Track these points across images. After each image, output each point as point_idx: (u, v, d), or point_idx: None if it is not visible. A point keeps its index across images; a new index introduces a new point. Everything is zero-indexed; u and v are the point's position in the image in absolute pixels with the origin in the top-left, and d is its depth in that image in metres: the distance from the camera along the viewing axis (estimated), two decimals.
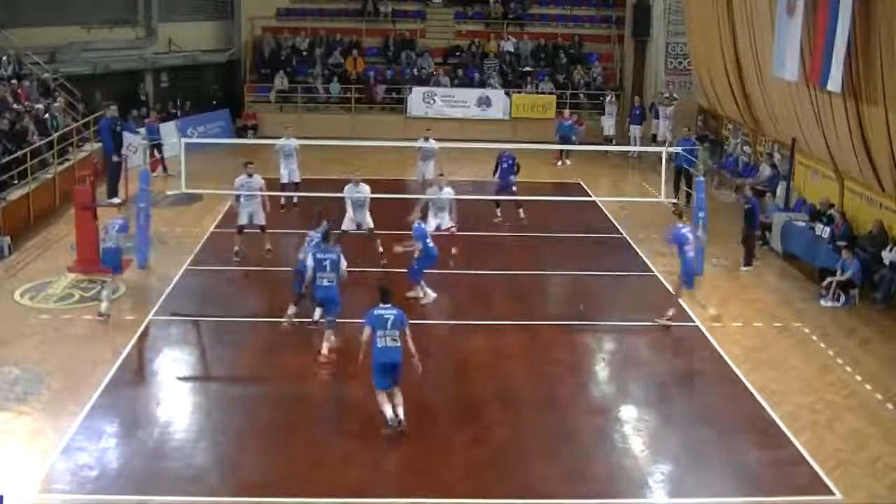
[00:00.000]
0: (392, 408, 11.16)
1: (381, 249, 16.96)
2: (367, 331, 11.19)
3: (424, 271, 15.59)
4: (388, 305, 11.37)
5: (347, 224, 17.10)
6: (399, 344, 11.18)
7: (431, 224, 17.51)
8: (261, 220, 17.46)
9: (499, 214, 20.37)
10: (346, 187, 17.19)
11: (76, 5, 27.40)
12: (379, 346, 11.14)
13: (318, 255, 13.18)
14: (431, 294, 15.60)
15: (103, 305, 14.60)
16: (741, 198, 22.20)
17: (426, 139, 21.37)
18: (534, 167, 25.18)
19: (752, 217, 18.10)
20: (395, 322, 11.18)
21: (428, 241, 15.56)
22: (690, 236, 15.07)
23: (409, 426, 11.39)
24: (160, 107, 28.04)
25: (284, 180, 20.74)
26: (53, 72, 25.50)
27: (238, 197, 17.50)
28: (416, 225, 15.69)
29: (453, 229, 17.45)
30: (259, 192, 17.46)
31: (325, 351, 13.18)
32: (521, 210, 20.29)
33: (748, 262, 17.93)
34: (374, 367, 11.23)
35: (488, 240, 19.16)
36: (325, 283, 13.13)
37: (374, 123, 29.84)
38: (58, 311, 14.91)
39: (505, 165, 20.30)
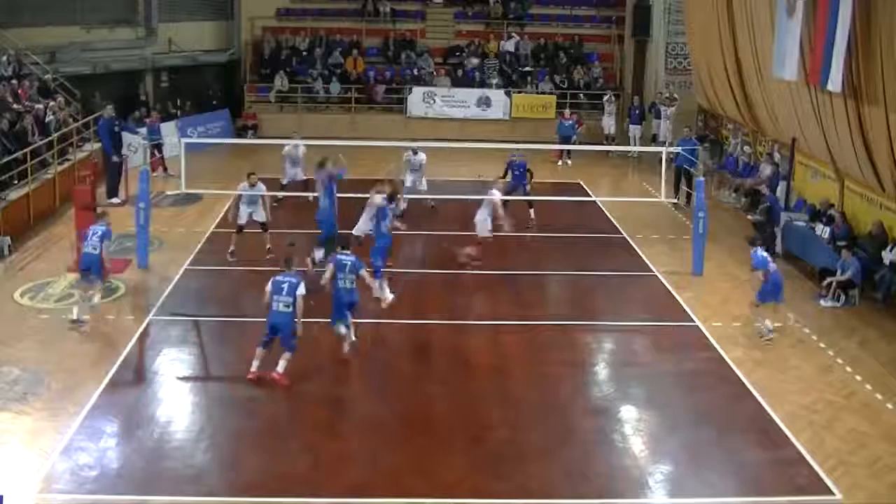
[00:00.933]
0: (347, 340, 13.26)
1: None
2: (330, 268, 13.14)
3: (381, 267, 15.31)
4: (347, 252, 13.24)
5: (360, 229, 16.79)
6: (354, 286, 13.11)
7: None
8: (261, 216, 17.41)
9: (532, 216, 20.35)
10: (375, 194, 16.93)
11: (76, 5, 27.42)
12: (339, 286, 13.03)
13: (278, 278, 12.57)
14: (389, 295, 14.92)
15: (75, 311, 14.32)
16: (742, 196, 22.25)
17: (415, 152, 20.89)
18: (534, 167, 25.17)
19: (773, 213, 18.10)
20: (352, 267, 13.05)
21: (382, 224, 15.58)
22: (769, 256, 14.87)
23: (409, 426, 11.46)
24: (160, 107, 28.04)
25: (286, 181, 20.75)
26: (53, 72, 25.51)
27: (238, 203, 17.46)
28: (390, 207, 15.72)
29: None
30: (261, 193, 17.46)
31: (279, 369, 12.47)
32: (531, 212, 20.23)
33: (781, 256, 17.96)
34: (333, 304, 13.13)
35: (488, 240, 19.11)
36: (282, 307, 12.35)
37: (374, 123, 29.85)
38: (58, 311, 14.90)
39: (517, 172, 20.33)
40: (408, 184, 20.88)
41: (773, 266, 14.70)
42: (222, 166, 24.26)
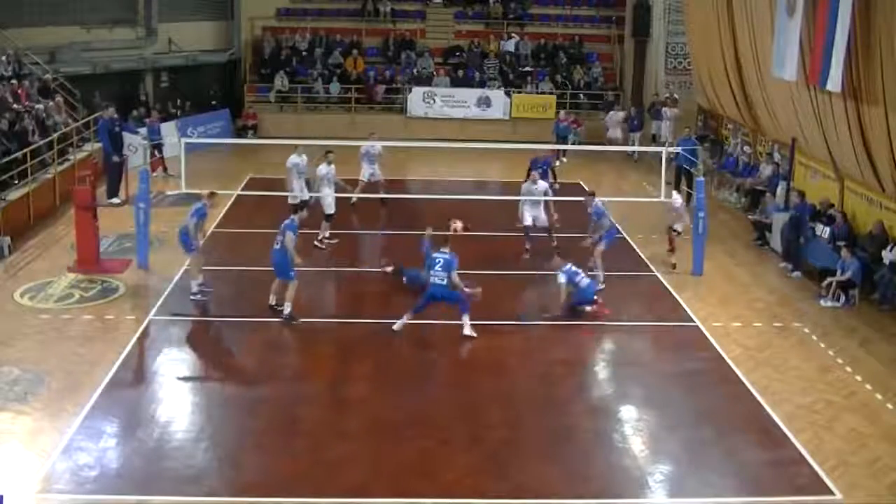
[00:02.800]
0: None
1: (554, 243, 17.90)
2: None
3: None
4: (444, 250, 13.99)
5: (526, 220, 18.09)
6: (445, 283, 13.87)
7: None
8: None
9: (555, 216, 20.43)
10: (524, 185, 18.34)
11: (76, 5, 27.42)
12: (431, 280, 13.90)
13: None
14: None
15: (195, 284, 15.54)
16: (742, 196, 22.24)
17: (372, 145, 20.98)
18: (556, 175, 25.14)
19: (799, 224, 17.59)
20: (445, 265, 13.87)
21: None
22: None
23: (410, 426, 11.45)
24: (160, 107, 28.04)
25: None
26: (54, 72, 25.51)
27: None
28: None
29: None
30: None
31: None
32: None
33: (800, 267, 17.50)
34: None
35: (488, 239, 19.13)
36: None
37: (374, 123, 29.77)
38: (58, 311, 14.91)
39: (540, 170, 20.45)
40: (365, 177, 20.95)
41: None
42: (222, 166, 24.27)
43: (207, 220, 16.10)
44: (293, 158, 18.60)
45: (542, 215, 18.25)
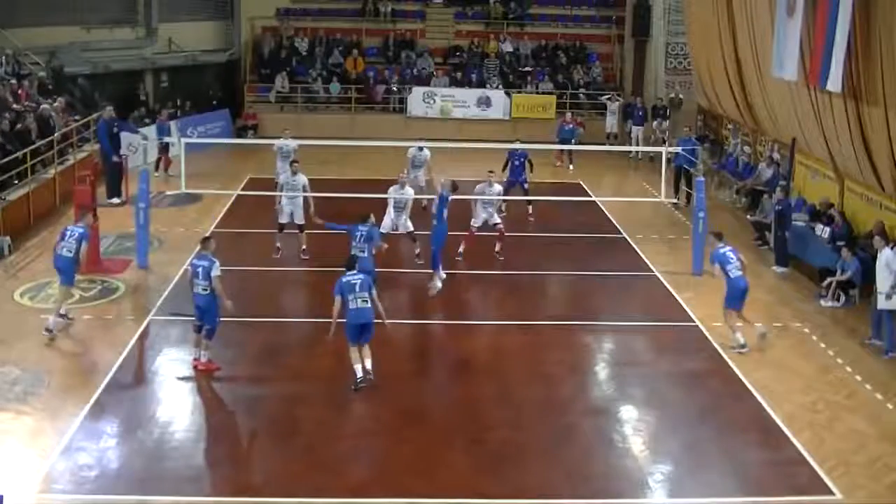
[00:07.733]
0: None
1: (417, 251, 17.13)
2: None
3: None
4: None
5: (386, 225, 17.06)
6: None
7: (480, 218, 17.86)
8: (300, 219, 17.46)
9: (503, 209, 20.15)
10: (391, 188, 17.38)
11: (76, 5, 27.44)
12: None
13: (194, 261, 12.71)
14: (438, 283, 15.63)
15: (53, 319, 13.78)
16: (742, 196, 22.24)
17: (420, 149, 20.79)
18: (534, 167, 25.12)
19: (784, 218, 17.62)
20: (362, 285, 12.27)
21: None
22: (733, 256, 14.01)
23: (409, 426, 11.45)
24: (160, 106, 28.02)
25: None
26: (53, 72, 25.51)
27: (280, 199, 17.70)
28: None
29: (500, 227, 17.89)
30: (302, 193, 17.48)
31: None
32: (529, 207, 20.27)
33: (785, 263, 17.59)
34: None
35: (488, 239, 19.13)
36: (200, 290, 12.56)
37: (374, 123, 29.84)
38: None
39: (517, 163, 20.34)
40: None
41: (732, 268, 13.88)
42: (222, 166, 24.28)
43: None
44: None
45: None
